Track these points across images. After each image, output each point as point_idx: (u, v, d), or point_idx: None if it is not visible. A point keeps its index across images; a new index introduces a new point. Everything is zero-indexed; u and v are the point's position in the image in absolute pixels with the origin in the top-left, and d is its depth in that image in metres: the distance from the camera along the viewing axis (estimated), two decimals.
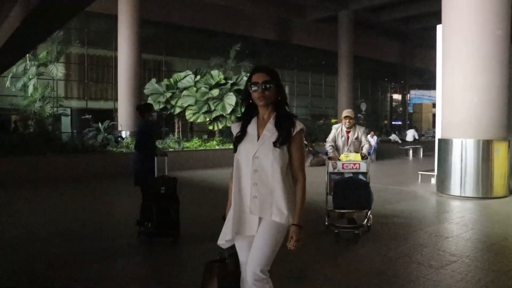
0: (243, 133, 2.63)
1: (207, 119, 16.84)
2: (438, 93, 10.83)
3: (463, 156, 9.21)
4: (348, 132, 6.93)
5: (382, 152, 20.73)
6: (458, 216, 7.59)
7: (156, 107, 17.72)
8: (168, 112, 17.94)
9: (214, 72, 17.42)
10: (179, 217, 5.83)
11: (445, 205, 8.73)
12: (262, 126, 2.63)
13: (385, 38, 35.71)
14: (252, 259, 2.54)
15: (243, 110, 2.77)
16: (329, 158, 6.73)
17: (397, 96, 44.19)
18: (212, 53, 22.34)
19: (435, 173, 10.52)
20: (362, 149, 6.84)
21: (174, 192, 5.88)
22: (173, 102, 17.29)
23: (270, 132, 2.59)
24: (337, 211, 6.15)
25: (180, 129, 18.42)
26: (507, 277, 4.60)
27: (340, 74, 30.12)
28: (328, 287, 4.26)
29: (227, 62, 21.15)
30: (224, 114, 16.39)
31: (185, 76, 17.46)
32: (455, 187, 9.34)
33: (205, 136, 19.01)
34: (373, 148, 19.80)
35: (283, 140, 2.55)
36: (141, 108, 6.47)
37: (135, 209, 6.45)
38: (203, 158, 15.68)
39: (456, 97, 9.43)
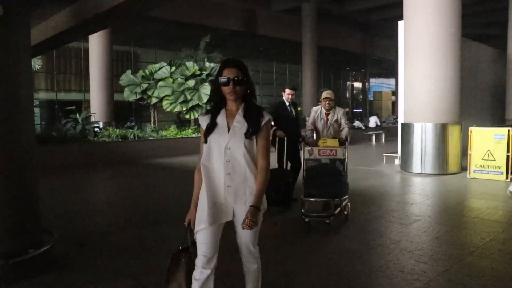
0: (213, 124, 2.74)
1: (184, 109, 17.80)
2: (400, 83, 12.23)
3: (423, 138, 10.65)
4: (327, 115, 6.79)
5: (354, 139, 22.22)
6: (420, 188, 9.00)
7: (133, 97, 18.50)
8: (145, 103, 18.71)
9: (189, 64, 18.37)
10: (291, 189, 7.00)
11: (408, 180, 10.14)
12: (232, 118, 2.76)
13: (347, 28, 37.21)
14: (243, 239, 2.80)
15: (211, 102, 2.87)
16: (307, 144, 6.46)
17: (358, 84, 46.07)
18: (182, 44, 23.14)
19: (399, 154, 11.94)
20: (341, 133, 6.72)
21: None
22: (149, 93, 18.11)
23: (240, 123, 2.73)
24: (306, 199, 5.89)
25: (156, 119, 19.26)
26: (459, 229, 5.98)
27: (304, 63, 31.39)
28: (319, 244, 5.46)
29: (197, 53, 22.04)
30: (200, 104, 17.40)
31: (160, 68, 18.30)
32: (416, 166, 10.79)
33: (173, 125, 19.83)
34: None
35: (253, 131, 2.70)
36: None
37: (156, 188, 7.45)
38: (180, 145, 16.62)
39: (416, 86, 10.83)
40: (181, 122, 20.40)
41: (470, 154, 10.03)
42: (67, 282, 4.15)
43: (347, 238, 5.50)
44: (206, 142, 2.74)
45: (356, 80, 45.87)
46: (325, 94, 6.78)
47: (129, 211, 7.35)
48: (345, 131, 6.72)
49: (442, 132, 10.53)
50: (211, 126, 2.73)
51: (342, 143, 6.34)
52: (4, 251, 4.06)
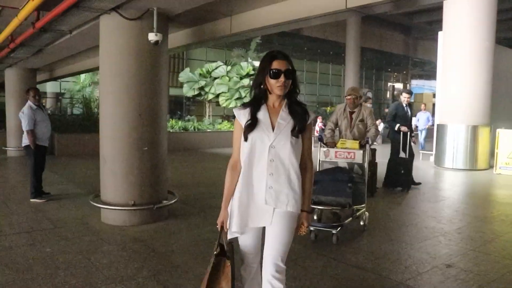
0: (254, 120, 2.53)
1: (238, 104, 19.81)
2: (438, 88, 13.84)
3: (455, 138, 12.27)
4: (351, 114, 6.38)
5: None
6: (450, 179, 10.69)
7: (191, 93, 20.65)
8: (202, 98, 20.83)
9: (244, 64, 20.41)
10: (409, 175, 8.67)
11: (441, 173, 11.80)
12: (275, 114, 2.56)
13: (390, 30, 38.42)
14: (272, 251, 2.53)
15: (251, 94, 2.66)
16: (326, 144, 6.06)
17: (399, 86, 47.12)
18: (233, 44, 25.14)
19: (433, 152, 13.56)
20: (367, 134, 6.37)
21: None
22: (206, 89, 20.21)
23: (285, 120, 2.54)
24: (313, 206, 5.22)
25: (211, 113, 21.41)
26: (476, 206, 7.75)
27: (347, 64, 32.91)
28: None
29: (247, 53, 24.05)
30: None
31: (217, 67, 20.37)
32: (448, 161, 12.43)
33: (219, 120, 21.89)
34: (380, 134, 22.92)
35: (299, 129, 2.53)
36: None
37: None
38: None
39: (451, 92, 12.45)
40: (227, 117, 22.52)
41: (497, 153, 11.60)
42: (181, 226, 6.16)
43: (386, 209, 7.34)
44: (246, 139, 2.52)
45: (398, 81, 46.91)
46: (349, 90, 6.45)
47: (210, 186, 9.35)
48: (371, 132, 6.30)
49: (473, 132, 12.13)
50: (252, 123, 2.52)
51: (362, 145, 5.84)
52: (149, 201, 6.10)
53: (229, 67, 20.30)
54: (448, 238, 5.66)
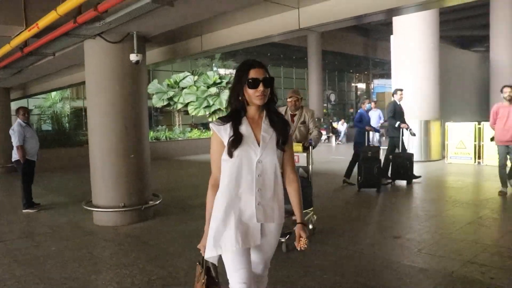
0: (238, 136, 2.42)
1: (207, 113, 20.66)
2: (393, 87, 15.02)
3: (407, 133, 13.39)
4: (293, 116, 6.17)
5: (352, 136, 24.99)
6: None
7: (160, 104, 21.37)
8: (171, 108, 21.55)
9: (210, 73, 21.27)
10: (380, 175, 8.83)
11: None
12: (257, 127, 2.49)
13: (349, 33, 39.91)
14: (265, 258, 2.64)
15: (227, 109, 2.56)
16: None
17: (362, 86, 48.82)
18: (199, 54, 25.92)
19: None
20: (309, 137, 6.17)
21: (378, 156, 8.89)
22: (175, 99, 20.95)
23: (268, 133, 2.48)
24: None
25: (181, 123, 22.17)
26: (431, 187, 8.82)
27: (310, 67, 34.15)
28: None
29: (213, 62, 24.90)
30: (221, 108, 20.27)
31: (184, 77, 21.15)
32: None
33: (188, 128, 22.76)
34: (343, 133, 24.14)
35: (283, 141, 2.50)
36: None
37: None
38: (205, 145, 19.47)
39: (405, 90, 13.59)
40: (195, 125, 23.39)
41: (447, 144, 12.82)
42: (166, 223, 7.00)
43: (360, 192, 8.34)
44: (231, 156, 2.42)
45: (360, 82, 48.59)
46: (290, 93, 6.21)
47: (186, 190, 10.17)
48: (314, 135, 6.12)
49: (425, 127, 13.34)
50: (237, 138, 2.42)
51: (306, 148, 5.76)
52: (137, 202, 6.90)
53: (196, 77, 21.13)
54: (399, 215, 6.69)
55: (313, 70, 33.96)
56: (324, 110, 33.49)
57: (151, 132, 18.83)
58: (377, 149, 9.23)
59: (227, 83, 20.83)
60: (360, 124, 9.69)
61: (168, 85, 21.52)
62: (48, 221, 7.34)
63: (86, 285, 4.43)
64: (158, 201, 7.30)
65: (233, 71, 25.65)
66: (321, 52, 33.78)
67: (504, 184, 7.96)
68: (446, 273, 4.31)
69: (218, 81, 20.78)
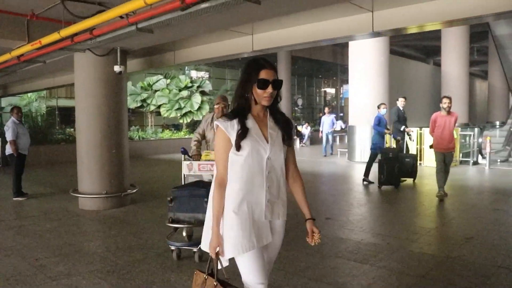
0: (245, 130, 2.43)
1: (178, 114, 21.95)
2: (349, 95, 16.69)
3: (362, 137, 15.08)
4: None
5: (316, 139, 26.63)
6: (357, 171, 13.42)
7: (134, 105, 22.57)
8: (145, 109, 22.77)
9: (182, 77, 22.59)
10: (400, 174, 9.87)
11: (351, 166, 14.55)
12: (263, 125, 2.51)
13: None
14: (273, 256, 2.68)
15: (233, 105, 2.57)
16: (191, 157, 5.98)
17: (330, 91, 50.71)
18: None
19: (347, 149, 16.36)
20: None
21: (397, 157, 9.83)
22: (148, 101, 22.18)
23: (275, 131, 2.51)
24: (171, 225, 5.10)
25: (153, 123, 23.42)
26: (372, 186, 10.39)
27: (279, 72, 35.28)
28: None
29: (186, 66, 26.17)
30: (192, 110, 21.61)
31: (157, 80, 22.40)
32: (358, 156, 15.22)
33: (160, 129, 24.08)
34: (307, 136, 25.70)
35: (288, 138, 2.54)
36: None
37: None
38: (175, 144, 20.75)
39: (357, 98, 15.28)
40: (167, 126, 24.72)
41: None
42: (142, 207, 8.37)
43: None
44: (239, 149, 2.43)
45: (328, 87, 50.46)
46: (218, 99, 6.11)
47: (158, 182, 11.51)
48: None
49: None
50: (244, 131, 2.43)
51: None
52: (118, 190, 8.22)
53: (168, 80, 22.41)
54: (333, 200, 8.20)
55: (282, 76, 35.14)
56: (293, 114, 35.03)
57: None
58: (397, 151, 10.16)
59: (198, 86, 22.19)
60: (379, 128, 10.36)
61: (142, 87, 22.69)
62: (39, 206, 8.58)
63: (81, 248, 5.76)
64: (135, 190, 8.65)
65: (204, 75, 27.21)
66: (290, 58, 35.39)
67: (440, 187, 8.50)
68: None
69: (190, 85, 22.11)
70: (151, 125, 23.46)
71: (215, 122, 2.55)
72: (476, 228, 6.44)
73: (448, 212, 7.74)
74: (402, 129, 11.02)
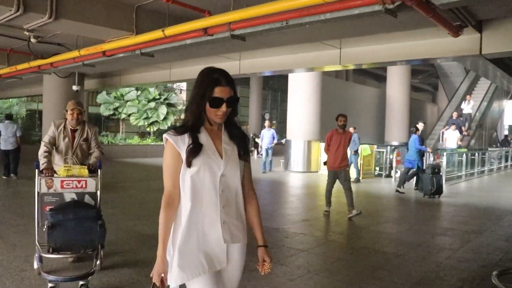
0: (197, 145, 2.24)
1: (146, 123, 24.64)
2: (288, 113, 19.45)
3: (297, 149, 17.80)
4: (74, 131, 5.36)
5: (279, 151, 29.27)
6: (293, 179, 16.08)
7: (107, 112, 25.19)
8: (116, 117, 25.39)
9: (151, 90, 25.30)
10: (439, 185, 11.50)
11: (287, 174, 17.18)
12: (217, 139, 2.33)
13: None
14: (234, 283, 2.42)
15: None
16: (43, 172, 4.88)
17: None
18: None
19: (284, 160, 19.04)
20: (90, 157, 5.41)
21: (440, 171, 11.80)
22: (120, 110, 24.81)
23: (229, 145, 2.34)
24: (54, 256, 4.53)
25: (124, 130, 26.05)
26: (302, 189, 13.05)
27: (252, 86, 37.56)
28: None
29: None
30: (158, 120, 24.34)
31: (129, 91, 25.06)
32: (293, 166, 17.93)
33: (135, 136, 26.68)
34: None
35: (244, 154, 2.38)
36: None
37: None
38: (142, 150, 23.35)
39: (294, 115, 18.04)
40: (142, 134, 27.33)
41: (320, 160, 17.20)
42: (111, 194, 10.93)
43: None
44: (190, 166, 2.23)
45: None
46: (71, 104, 5.40)
47: (128, 180, 14.06)
48: (95, 155, 5.41)
49: (307, 145, 17.75)
50: (196, 147, 2.24)
51: (93, 171, 5.02)
52: None
53: (139, 92, 25.11)
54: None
55: (254, 90, 37.26)
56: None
57: None
58: (439, 166, 12.45)
59: (165, 99, 24.92)
60: (423, 147, 12.20)
61: (115, 97, 25.33)
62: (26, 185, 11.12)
63: None
64: None
65: (177, 87, 29.83)
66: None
67: (328, 204, 8.70)
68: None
69: (158, 97, 24.84)
70: (122, 132, 26.06)
71: (164, 135, 2.34)
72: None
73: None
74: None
